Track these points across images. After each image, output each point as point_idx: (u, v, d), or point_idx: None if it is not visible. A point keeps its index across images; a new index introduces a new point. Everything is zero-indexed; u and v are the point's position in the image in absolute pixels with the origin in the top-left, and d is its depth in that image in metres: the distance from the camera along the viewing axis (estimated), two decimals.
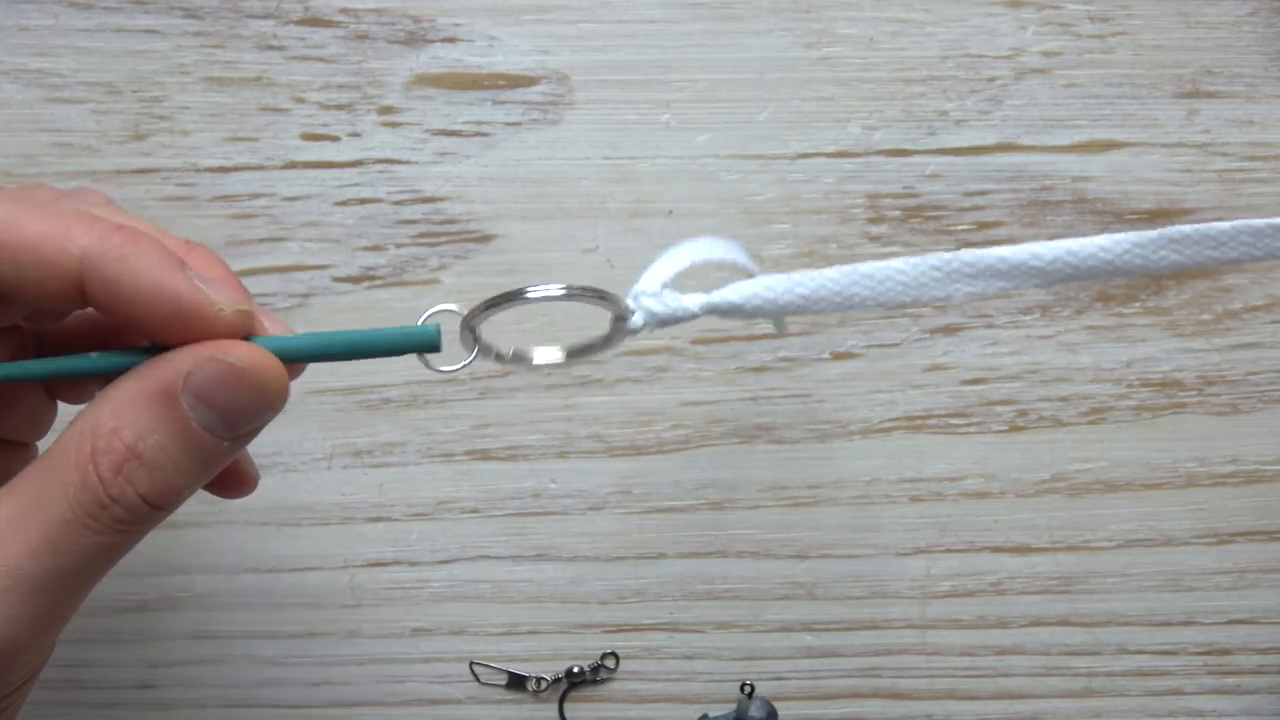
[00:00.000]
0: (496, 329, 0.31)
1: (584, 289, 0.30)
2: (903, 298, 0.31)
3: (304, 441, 0.42)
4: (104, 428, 0.26)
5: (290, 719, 0.42)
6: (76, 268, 0.27)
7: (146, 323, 0.27)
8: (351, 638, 0.42)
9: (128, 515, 0.27)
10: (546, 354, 0.32)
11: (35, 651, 0.27)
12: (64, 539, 0.26)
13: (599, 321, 0.31)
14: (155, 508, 0.27)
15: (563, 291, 0.30)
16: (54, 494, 0.26)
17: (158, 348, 0.28)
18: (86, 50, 0.43)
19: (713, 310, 0.31)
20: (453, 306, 0.30)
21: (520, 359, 0.31)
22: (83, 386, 0.33)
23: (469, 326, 0.30)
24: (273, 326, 0.30)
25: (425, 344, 0.29)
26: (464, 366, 0.30)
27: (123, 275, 0.27)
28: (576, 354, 0.32)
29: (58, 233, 0.27)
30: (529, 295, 0.30)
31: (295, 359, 0.29)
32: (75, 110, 0.43)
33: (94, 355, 0.29)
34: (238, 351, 0.27)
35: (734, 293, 0.31)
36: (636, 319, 0.31)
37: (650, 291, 0.31)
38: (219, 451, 0.28)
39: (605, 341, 0.31)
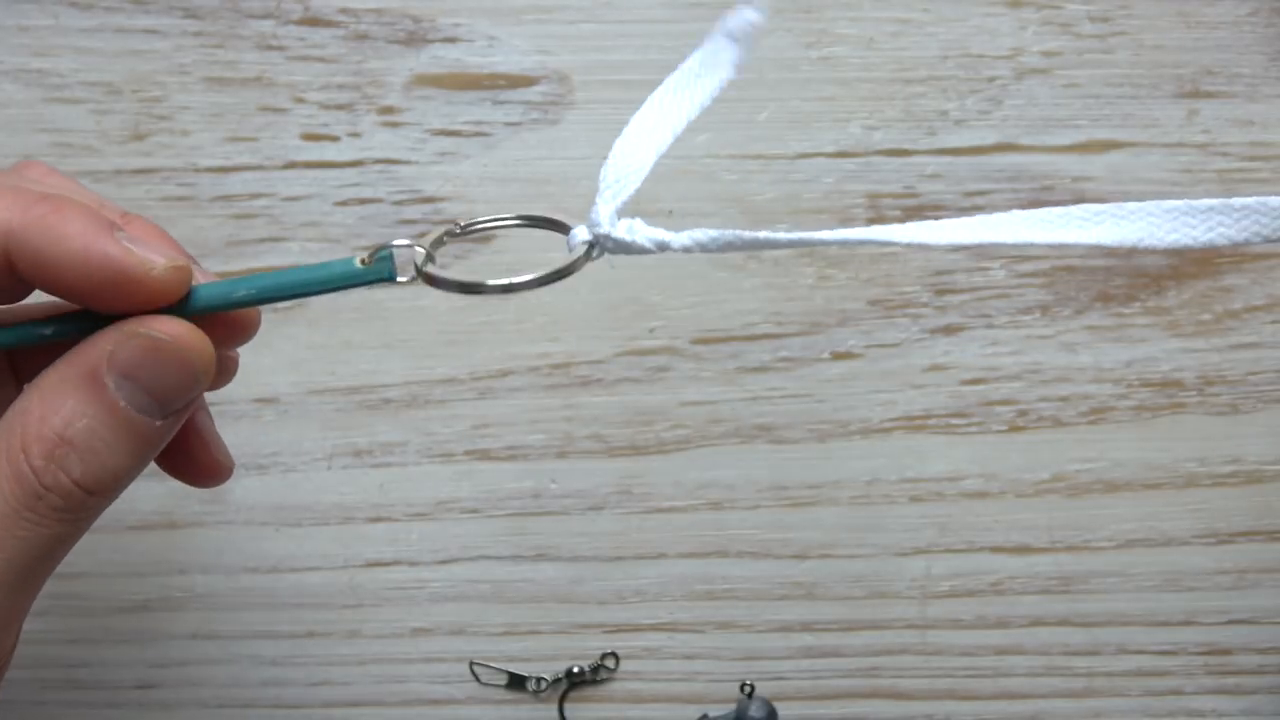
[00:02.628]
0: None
1: (536, 217, 0.30)
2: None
3: (304, 441, 0.42)
4: (32, 416, 0.26)
5: (290, 719, 0.42)
6: (1, 242, 0.26)
7: (81, 290, 0.26)
8: (351, 638, 0.42)
9: (65, 503, 0.26)
10: (504, 278, 0.30)
11: None
12: (4, 534, 0.26)
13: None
14: (92, 493, 0.26)
15: (516, 221, 0.30)
16: None
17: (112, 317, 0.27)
18: (86, 50, 0.43)
19: (672, 248, 0.30)
20: (407, 241, 0.29)
21: (477, 286, 0.30)
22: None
23: (430, 255, 0.29)
24: (206, 280, 0.29)
25: (379, 275, 0.28)
26: (412, 280, 0.29)
27: (47, 244, 0.26)
28: (538, 280, 0.30)
29: None
30: (483, 224, 0.30)
31: (241, 303, 0.28)
32: (75, 110, 0.43)
33: (47, 322, 0.28)
34: (159, 325, 0.27)
35: (702, 233, 0.30)
36: (591, 247, 0.30)
37: (603, 226, 0.30)
38: (152, 430, 0.27)
39: (566, 268, 0.30)
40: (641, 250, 0.30)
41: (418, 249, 0.29)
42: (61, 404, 0.26)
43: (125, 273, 0.26)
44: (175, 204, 0.42)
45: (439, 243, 0.30)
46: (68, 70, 0.43)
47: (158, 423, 0.27)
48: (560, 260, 0.30)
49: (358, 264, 0.28)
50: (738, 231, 0.30)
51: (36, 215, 0.26)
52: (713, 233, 0.30)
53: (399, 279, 0.29)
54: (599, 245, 0.30)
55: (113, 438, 0.26)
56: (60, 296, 0.27)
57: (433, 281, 0.29)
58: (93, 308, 0.27)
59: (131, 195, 0.42)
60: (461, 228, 0.30)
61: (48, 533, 0.26)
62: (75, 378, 0.26)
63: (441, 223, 0.43)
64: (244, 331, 0.31)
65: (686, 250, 0.30)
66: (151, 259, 0.26)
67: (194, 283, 0.28)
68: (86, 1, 0.43)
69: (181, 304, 0.28)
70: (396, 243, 0.29)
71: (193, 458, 0.32)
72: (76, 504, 0.26)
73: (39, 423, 0.26)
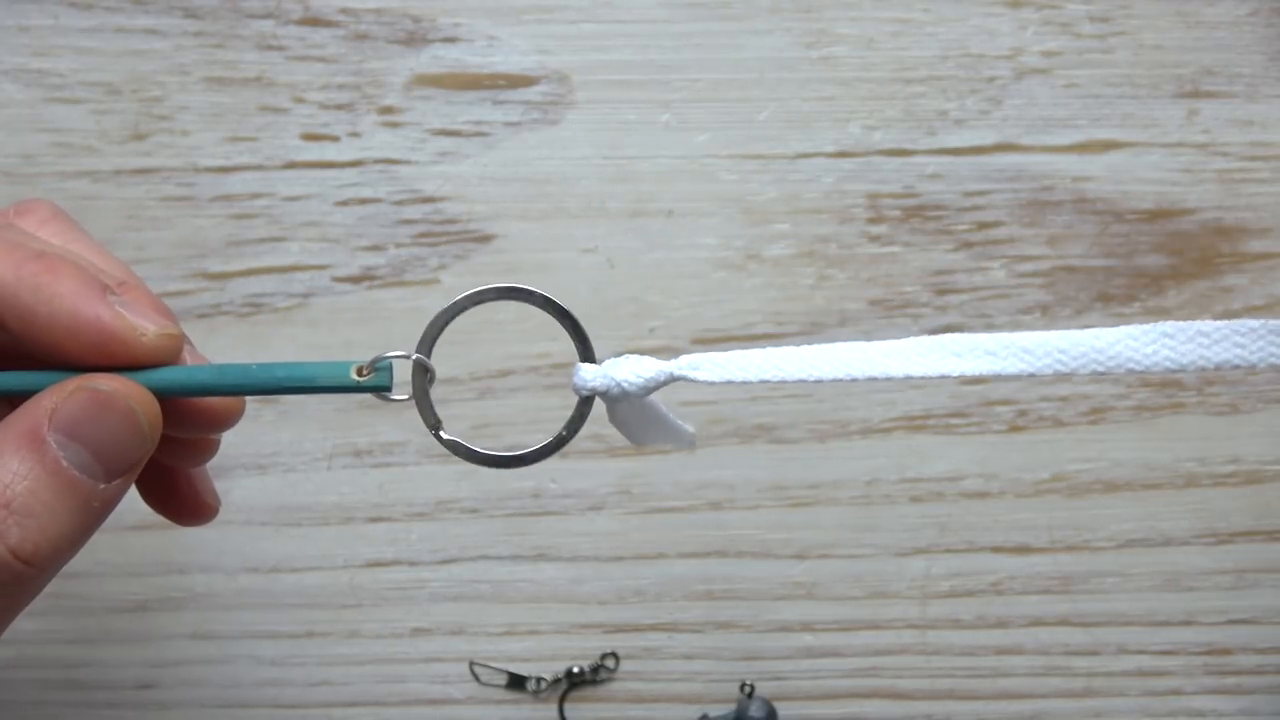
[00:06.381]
0: None
1: (504, 289, 0.29)
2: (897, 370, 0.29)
3: (304, 441, 0.42)
4: None
5: (290, 719, 0.42)
6: None
7: (68, 351, 0.26)
8: (351, 638, 0.42)
9: None
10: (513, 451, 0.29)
11: None
12: None
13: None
14: (28, 564, 0.24)
15: (491, 290, 0.29)
16: None
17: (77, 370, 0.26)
18: (86, 50, 0.43)
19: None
20: (400, 352, 0.29)
21: (491, 459, 0.29)
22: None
23: (424, 364, 0.29)
24: (196, 362, 0.28)
25: (376, 385, 0.28)
26: (408, 399, 0.29)
27: (38, 304, 0.25)
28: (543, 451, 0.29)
29: None
30: (462, 303, 0.29)
31: (203, 392, 0.27)
32: (75, 110, 0.43)
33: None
34: (103, 380, 0.25)
35: (688, 367, 0.29)
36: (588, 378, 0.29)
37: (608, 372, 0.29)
38: (95, 494, 0.25)
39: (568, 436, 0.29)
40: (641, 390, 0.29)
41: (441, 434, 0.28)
42: (3, 464, 0.24)
43: (115, 337, 0.26)
44: (175, 204, 0.42)
45: (426, 344, 0.29)
46: (68, 70, 0.43)
47: (101, 485, 0.25)
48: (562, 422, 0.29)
49: (353, 374, 0.28)
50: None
51: (29, 273, 0.25)
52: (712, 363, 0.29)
53: (394, 397, 0.28)
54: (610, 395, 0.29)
55: (53, 500, 0.25)
56: (47, 356, 0.26)
57: (451, 446, 0.29)
58: (79, 368, 0.26)
59: (131, 195, 0.42)
60: (441, 317, 0.29)
61: None
62: (17, 435, 0.25)
63: (442, 223, 0.43)
64: (227, 418, 0.29)
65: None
66: (143, 325, 0.26)
67: (184, 355, 0.27)
68: (86, 1, 0.43)
69: (149, 377, 0.26)
70: (391, 354, 0.28)
71: (179, 496, 0.31)
72: (10, 576, 0.24)
73: None
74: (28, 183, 0.42)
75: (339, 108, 0.43)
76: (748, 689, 0.41)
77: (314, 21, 0.43)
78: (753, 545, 0.42)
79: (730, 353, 0.28)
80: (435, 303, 0.42)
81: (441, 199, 0.43)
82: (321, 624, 0.42)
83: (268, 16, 0.43)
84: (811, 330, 0.42)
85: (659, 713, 0.42)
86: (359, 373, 0.28)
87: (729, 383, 0.29)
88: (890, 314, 0.42)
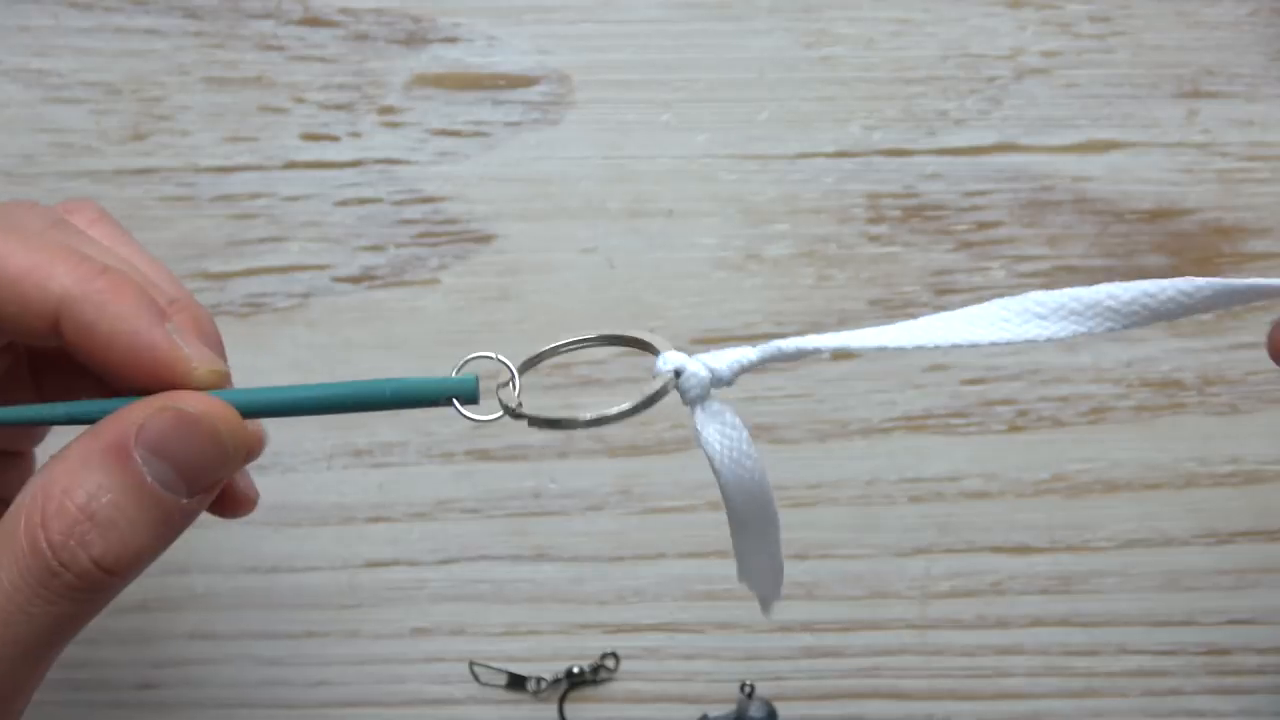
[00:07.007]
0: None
1: (619, 337, 0.29)
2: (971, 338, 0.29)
3: (304, 441, 0.42)
4: (55, 489, 0.25)
5: (290, 719, 0.42)
6: (55, 306, 0.26)
7: (119, 370, 0.27)
8: (351, 638, 0.42)
9: (80, 582, 0.25)
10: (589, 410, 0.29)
11: None
12: (14, 609, 0.25)
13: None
14: (111, 573, 0.26)
15: (597, 340, 0.29)
16: (2, 562, 0.25)
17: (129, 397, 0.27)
18: (86, 50, 0.43)
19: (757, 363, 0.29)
20: (490, 354, 0.29)
21: (567, 421, 0.29)
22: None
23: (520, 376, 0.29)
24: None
25: (463, 393, 0.28)
26: (497, 418, 0.29)
27: (100, 321, 0.26)
28: (626, 412, 0.29)
29: (40, 269, 0.26)
30: (566, 347, 0.29)
31: (269, 412, 0.28)
32: (75, 110, 0.43)
33: (60, 405, 0.28)
34: (191, 400, 0.26)
35: (790, 344, 0.29)
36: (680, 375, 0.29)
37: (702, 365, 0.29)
38: (177, 509, 0.26)
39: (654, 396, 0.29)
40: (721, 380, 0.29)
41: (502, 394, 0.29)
42: (86, 478, 0.25)
43: (168, 367, 0.27)
44: (175, 204, 0.42)
45: (526, 365, 0.29)
46: (68, 70, 0.43)
47: (184, 501, 0.26)
48: (644, 388, 0.29)
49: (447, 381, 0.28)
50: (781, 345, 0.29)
51: (95, 290, 0.26)
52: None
53: (476, 416, 0.29)
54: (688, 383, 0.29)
55: (137, 514, 0.26)
56: (95, 370, 0.27)
57: (524, 419, 0.29)
58: (124, 388, 0.27)
59: (131, 195, 0.42)
60: (538, 355, 0.30)
61: (60, 611, 0.25)
62: (103, 450, 0.26)
63: (442, 223, 0.43)
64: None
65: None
66: (194, 360, 0.27)
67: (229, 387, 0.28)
68: (86, 1, 0.43)
69: (235, 396, 0.28)
70: (477, 354, 0.29)
71: (224, 489, 0.31)
72: (92, 584, 0.26)
73: (61, 495, 0.25)
74: (28, 183, 0.42)
75: (339, 108, 0.43)
76: (748, 689, 0.41)
77: (314, 21, 0.43)
78: None
79: (809, 336, 0.29)
80: (435, 302, 0.43)
81: (441, 199, 0.43)
82: (321, 624, 0.42)
83: (268, 16, 0.43)
84: (811, 330, 0.42)
85: (659, 713, 0.42)
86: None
87: (818, 350, 0.29)
88: (890, 314, 0.42)
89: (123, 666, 0.42)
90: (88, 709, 0.42)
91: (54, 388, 0.32)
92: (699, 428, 0.29)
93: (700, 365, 0.29)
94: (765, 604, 0.34)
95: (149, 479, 0.26)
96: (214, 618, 0.42)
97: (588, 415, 0.28)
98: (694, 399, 0.29)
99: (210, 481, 0.27)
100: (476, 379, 0.28)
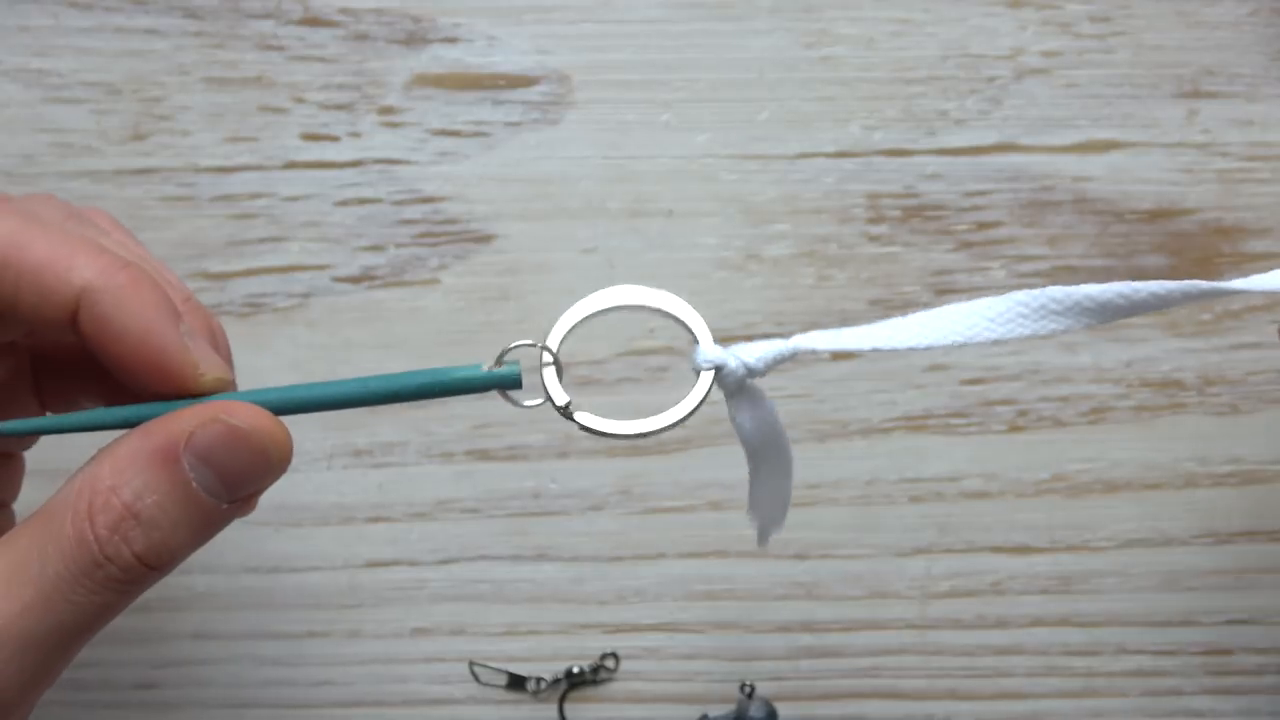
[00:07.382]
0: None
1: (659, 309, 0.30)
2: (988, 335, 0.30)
3: (304, 441, 0.42)
4: (102, 485, 0.26)
5: (291, 719, 0.42)
6: (75, 297, 0.27)
7: (126, 365, 0.27)
8: (352, 638, 0.42)
9: (123, 575, 0.26)
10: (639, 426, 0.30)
11: (18, 712, 0.27)
12: (58, 596, 0.26)
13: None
14: (150, 568, 0.27)
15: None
16: (49, 551, 0.26)
17: (157, 406, 0.28)
18: (86, 50, 0.43)
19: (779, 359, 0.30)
20: (528, 341, 0.30)
21: (608, 434, 0.30)
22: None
23: (555, 356, 0.30)
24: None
25: (508, 382, 0.29)
26: (544, 402, 0.29)
27: (116, 315, 0.27)
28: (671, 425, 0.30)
29: (61, 259, 0.27)
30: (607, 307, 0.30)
31: (302, 409, 0.29)
32: (75, 110, 0.43)
33: (97, 410, 0.29)
34: (242, 413, 0.27)
35: (807, 341, 0.31)
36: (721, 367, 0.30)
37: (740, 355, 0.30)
38: (218, 514, 0.27)
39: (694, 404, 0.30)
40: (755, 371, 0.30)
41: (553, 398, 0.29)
42: (134, 477, 0.26)
43: (176, 369, 0.27)
44: (175, 204, 0.42)
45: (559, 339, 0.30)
46: (68, 70, 0.43)
47: (224, 506, 0.27)
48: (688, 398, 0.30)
49: (484, 369, 0.29)
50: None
51: (116, 283, 0.27)
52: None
53: (523, 402, 0.29)
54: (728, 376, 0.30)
55: (180, 516, 0.27)
56: (103, 360, 0.28)
57: (574, 423, 0.29)
58: (129, 382, 0.28)
59: (131, 195, 0.42)
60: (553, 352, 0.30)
61: (101, 601, 0.26)
62: (151, 452, 0.27)
63: (442, 223, 0.43)
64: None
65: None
66: (202, 364, 0.28)
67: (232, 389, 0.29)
68: (86, 1, 0.43)
69: (266, 395, 0.28)
70: (520, 343, 0.29)
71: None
72: (133, 577, 0.27)
73: (109, 492, 0.26)
74: (28, 183, 0.42)
75: (339, 108, 0.43)
76: (748, 689, 0.41)
77: (314, 21, 0.43)
78: (753, 545, 0.42)
79: (840, 329, 0.30)
80: (435, 302, 0.43)
81: (441, 199, 0.43)
82: (322, 624, 0.42)
83: (268, 16, 0.43)
84: (811, 330, 0.42)
85: (659, 713, 0.42)
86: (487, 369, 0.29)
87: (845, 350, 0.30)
88: (890, 314, 0.42)
89: (124, 666, 0.42)
90: (89, 709, 0.42)
91: (55, 393, 0.32)
92: (734, 414, 0.31)
93: (739, 363, 0.30)
94: (763, 534, 0.35)
95: (194, 485, 0.27)
96: (215, 618, 0.42)
97: (637, 429, 0.30)
98: (732, 393, 0.31)
99: (252, 490, 0.28)
100: (519, 369, 0.29)
